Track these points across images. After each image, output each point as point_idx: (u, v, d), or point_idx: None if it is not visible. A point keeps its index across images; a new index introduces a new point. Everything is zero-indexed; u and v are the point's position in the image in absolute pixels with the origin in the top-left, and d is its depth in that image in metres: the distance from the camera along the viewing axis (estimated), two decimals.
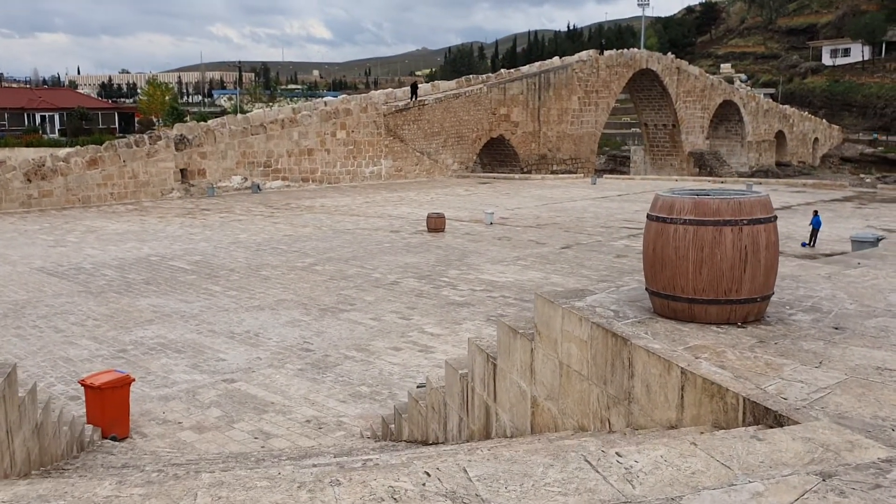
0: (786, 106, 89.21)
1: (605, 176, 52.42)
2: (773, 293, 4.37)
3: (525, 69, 55.72)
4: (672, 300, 4.20)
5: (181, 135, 36.61)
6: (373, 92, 49.05)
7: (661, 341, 3.74)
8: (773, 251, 4.19)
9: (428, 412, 6.70)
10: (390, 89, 50.87)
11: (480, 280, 19.04)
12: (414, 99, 47.23)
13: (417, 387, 9.43)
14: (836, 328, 4.07)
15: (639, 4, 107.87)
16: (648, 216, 4.36)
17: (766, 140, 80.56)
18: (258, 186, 38.28)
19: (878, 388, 3.08)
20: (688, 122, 67.84)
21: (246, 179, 38.55)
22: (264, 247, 23.58)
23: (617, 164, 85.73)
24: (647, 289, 4.43)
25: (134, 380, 10.42)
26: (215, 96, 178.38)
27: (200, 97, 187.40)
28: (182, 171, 36.56)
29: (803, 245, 23.59)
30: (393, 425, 8.00)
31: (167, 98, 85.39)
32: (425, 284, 18.55)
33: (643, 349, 3.59)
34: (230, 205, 33.82)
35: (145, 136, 37.07)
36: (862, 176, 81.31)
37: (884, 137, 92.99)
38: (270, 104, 67.78)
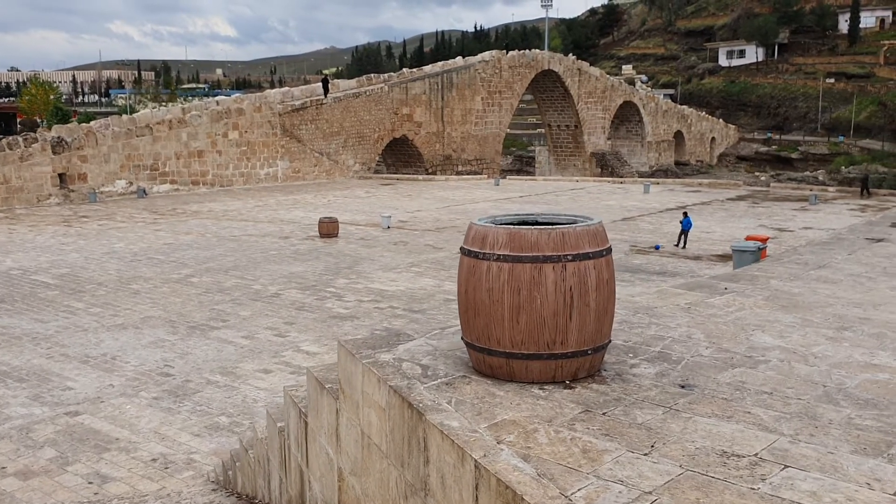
0: (684, 106, 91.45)
1: (508, 177, 52.25)
2: (610, 341, 3.62)
3: (428, 69, 55.03)
4: (488, 354, 3.41)
5: (59, 137, 34.32)
6: (268, 91, 47.47)
7: (463, 415, 2.94)
8: (607, 292, 3.44)
9: (255, 465, 5.78)
10: (286, 88, 49.37)
11: (369, 290, 18.12)
12: (327, 95, 46.29)
13: None
14: (684, 386, 3.35)
15: (542, 6, 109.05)
16: (461, 249, 3.56)
17: (665, 140, 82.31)
18: (144, 191, 36.31)
19: (718, 492, 2.32)
20: (590, 122, 68.51)
21: (131, 184, 36.51)
22: (140, 257, 22.03)
23: (523, 164, 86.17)
24: (462, 339, 3.64)
25: None
26: (113, 96, 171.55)
27: (97, 97, 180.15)
28: (61, 175, 34.29)
29: (657, 248, 23.12)
30: (231, 472, 7.01)
31: (51, 98, 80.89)
32: (309, 296, 17.51)
33: (437, 428, 2.78)
34: (112, 211, 31.86)
35: (19, 139, 34.60)
36: (757, 174, 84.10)
37: (777, 136, 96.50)
38: (165, 104, 65.06)
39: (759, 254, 10.07)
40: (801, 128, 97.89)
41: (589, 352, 3.39)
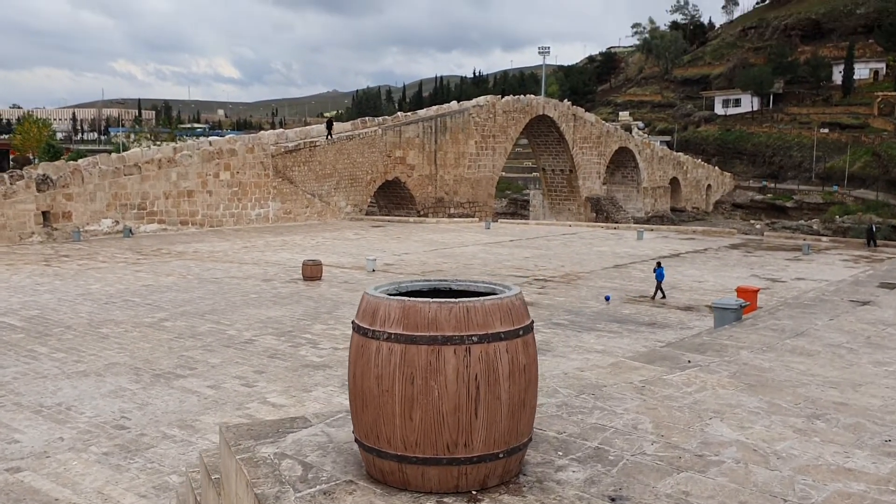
0: (680, 153, 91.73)
1: (499, 220, 51.93)
2: (530, 439, 3.04)
3: (422, 112, 55.12)
4: (378, 456, 2.83)
5: (44, 174, 33.96)
6: (262, 132, 47.36)
7: None
8: (525, 381, 2.86)
9: None
10: (281, 130, 49.27)
11: (347, 337, 17.47)
12: (329, 136, 46.65)
13: None
14: (614, 500, 2.78)
15: (539, 52, 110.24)
16: (353, 323, 3.02)
17: (661, 186, 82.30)
18: (130, 230, 35.83)
19: None
20: (585, 167, 68.47)
21: (117, 223, 36.05)
22: (115, 299, 21.45)
23: (518, 207, 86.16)
24: (353, 434, 3.06)
25: None
26: (112, 134, 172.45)
27: (96, 135, 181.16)
28: (45, 213, 33.85)
29: (607, 299, 21.90)
30: None
31: (44, 135, 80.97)
32: (283, 342, 16.91)
33: None
34: (95, 251, 31.33)
35: (5, 176, 34.26)
36: (752, 222, 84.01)
37: (772, 185, 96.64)
38: (158, 143, 65.09)
39: (740, 312, 9.53)
40: (795, 177, 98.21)
41: (500, 455, 2.80)
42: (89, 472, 10.23)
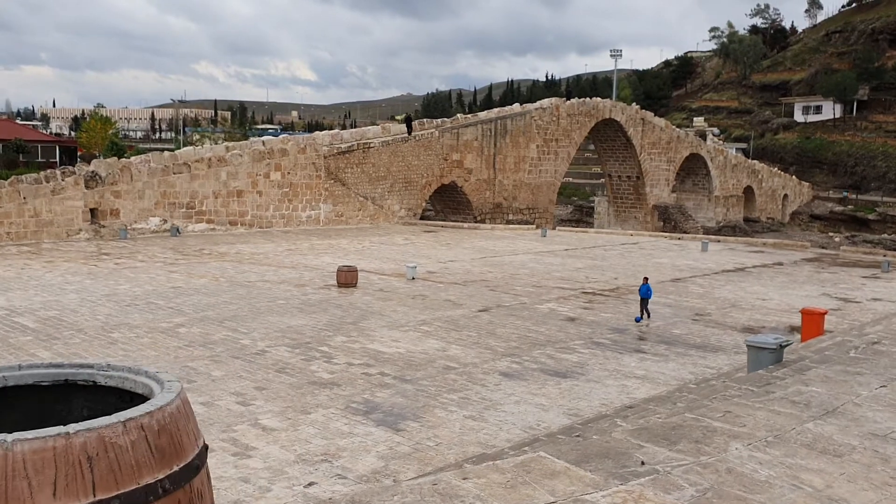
0: (755, 161, 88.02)
1: (557, 228, 50.11)
2: None
3: (483, 115, 53.69)
4: None
5: (93, 171, 33.81)
6: (316, 133, 46.68)
7: None
8: None
9: None
10: (336, 130, 48.55)
11: (366, 350, 16.29)
12: (410, 133, 46.81)
13: None
14: None
15: (611, 55, 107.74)
16: None
17: (734, 195, 78.96)
18: (178, 229, 35.45)
19: None
20: (652, 174, 65.96)
21: (165, 221, 35.73)
22: (138, 301, 20.70)
23: (583, 214, 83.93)
24: None
25: None
26: (188, 133, 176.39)
27: (173, 134, 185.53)
28: (92, 210, 33.69)
29: (637, 320, 19.63)
30: None
31: (109, 132, 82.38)
32: (296, 355, 15.77)
33: None
34: (137, 249, 30.94)
35: (57, 172, 34.27)
36: (831, 234, 79.82)
37: (854, 196, 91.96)
38: (218, 142, 65.34)
39: (780, 353, 7.86)
40: (879, 188, 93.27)
41: None
42: None
